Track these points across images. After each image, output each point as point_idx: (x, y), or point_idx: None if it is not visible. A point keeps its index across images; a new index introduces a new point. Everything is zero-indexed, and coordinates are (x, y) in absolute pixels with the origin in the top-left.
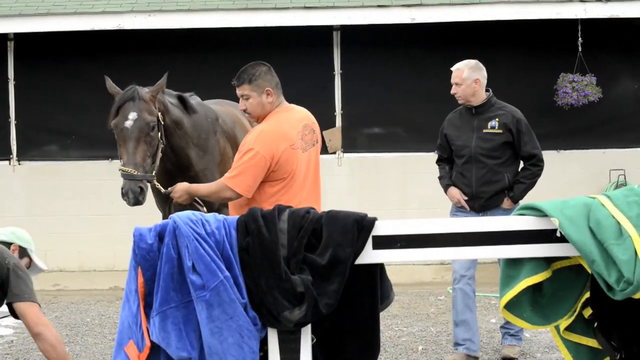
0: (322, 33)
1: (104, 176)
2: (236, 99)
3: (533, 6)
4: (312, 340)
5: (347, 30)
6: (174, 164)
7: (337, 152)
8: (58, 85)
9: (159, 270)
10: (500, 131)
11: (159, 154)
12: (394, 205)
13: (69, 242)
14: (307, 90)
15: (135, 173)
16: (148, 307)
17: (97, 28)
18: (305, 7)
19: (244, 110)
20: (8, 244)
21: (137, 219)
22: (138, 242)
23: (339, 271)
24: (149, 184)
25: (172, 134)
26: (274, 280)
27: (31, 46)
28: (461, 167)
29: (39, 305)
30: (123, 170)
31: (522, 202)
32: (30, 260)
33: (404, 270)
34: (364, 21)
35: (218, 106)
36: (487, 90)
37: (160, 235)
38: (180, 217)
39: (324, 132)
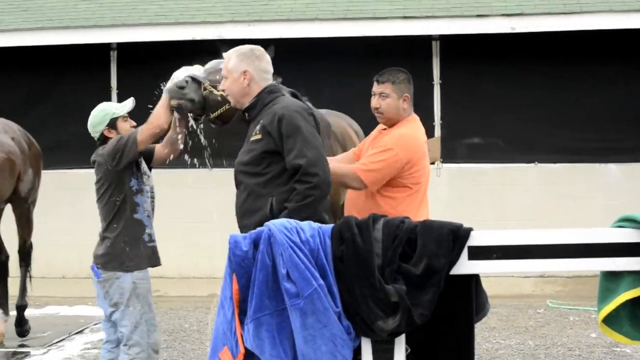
0: (422, 43)
1: (203, 184)
2: (335, 109)
3: (636, 15)
4: (407, 350)
5: (447, 40)
6: None
7: (436, 163)
8: None
9: (254, 278)
10: (259, 136)
11: None
12: (492, 217)
13: (169, 249)
14: None
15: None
16: (242, 314)
17: (197, 38)
18: (405, 17)
19: (376, 109)
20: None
21: (235, 227)
22: (233, 249)
23: (434, 281)
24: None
25: None
26: (368, 290)
27: (133, 55)
28: None
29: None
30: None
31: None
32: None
33: (502, 282)
34: (463, 31)
35: (329, 117)
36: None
37: (256, 242)
38: (276, 224)
39: None
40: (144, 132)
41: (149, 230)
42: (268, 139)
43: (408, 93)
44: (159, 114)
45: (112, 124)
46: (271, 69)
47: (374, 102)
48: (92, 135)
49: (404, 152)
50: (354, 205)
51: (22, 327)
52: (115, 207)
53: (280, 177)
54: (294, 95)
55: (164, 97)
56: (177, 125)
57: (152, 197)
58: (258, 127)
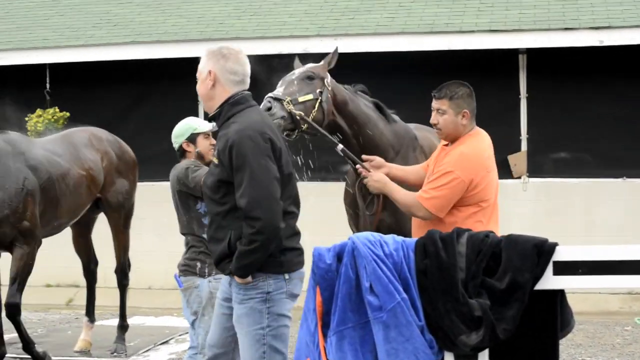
0: (508, 56)
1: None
2: (421, 122)
3: None
4: None
5: (533, 54)
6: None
7: (522, 177)
8: None
9: (337, 290)
10: (217, 162)
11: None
12: (579, 232)
13: None
14: (492, 113)
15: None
16: (325, 327)
17: (284, 52)
18: (491, 30)
19: (435, 125)
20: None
21: (319, 239)
22: (317, 261)
23: (518, 296)
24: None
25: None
26: (451, 304)
27: None
28: None
29: None
30: None
31: None
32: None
33: (588, 299)
34: (550, 44)
35: (417, 131)
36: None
37: (339, 255)
38: (359, 237)
39: (509, 157)
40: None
41: None
42: (222, 167)
43: (467, 108)
44: None
45: (192, 138)
46: (242, 70)
47: (432, 118)
48: (173, 145)
49: (466, 173)
50: (419, 227)
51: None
52: (188, 224)
53: (237, 211)
54: (376, 105)
55: None
56: None
57: None
58: (216, 151)
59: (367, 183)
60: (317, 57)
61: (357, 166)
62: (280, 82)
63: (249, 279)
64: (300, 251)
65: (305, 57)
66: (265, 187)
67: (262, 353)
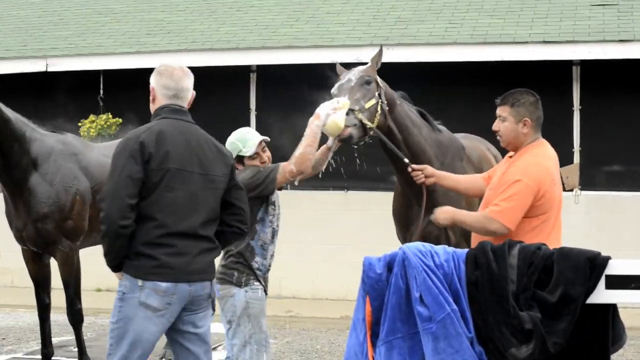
0: (562, 68)
1: (339, 206)
2: (472, 133)
3: None
4: None
5: (587, 65)
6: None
7: (574, 190)
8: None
9: (387, 300)
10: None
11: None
12: (632, 246)
13: (303, 271)
14: (544, 125)
15: None
16: (375, 336)
17: (336, 61)
18: (545, 42)
19: (496, 132)
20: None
21: (370, 249)
22: (367, 271)
23: (569, 310)
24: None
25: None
26: (502, 316)
27: (272, 78)
28: None
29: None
30: None
31: None
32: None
33: None
34: (605, 56)
35: (465, 140)
36: (161, 109)
37: (389, 265)
38: (410, 248)
39: (561, 169)
40: (285, 175)
41: (259, 259)
42: None
43: (529, 117)
44: (310, 157)
45: (240, 160)
46: (175, 85)
47: (494, 124)
48: None
49: (533, 181)
50: (477, 240)
51: None
52: None
53: None
54: (421, 114)
55: (316, 136)
56: (331, 151)
57: (274, 228)
58: None
59: (436, 218)
60: None
61: (418, 179)
62: (337, 90)
63: (120, 274)
64: (159, 262)
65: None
66: (114, 183)
67: (109, 345)
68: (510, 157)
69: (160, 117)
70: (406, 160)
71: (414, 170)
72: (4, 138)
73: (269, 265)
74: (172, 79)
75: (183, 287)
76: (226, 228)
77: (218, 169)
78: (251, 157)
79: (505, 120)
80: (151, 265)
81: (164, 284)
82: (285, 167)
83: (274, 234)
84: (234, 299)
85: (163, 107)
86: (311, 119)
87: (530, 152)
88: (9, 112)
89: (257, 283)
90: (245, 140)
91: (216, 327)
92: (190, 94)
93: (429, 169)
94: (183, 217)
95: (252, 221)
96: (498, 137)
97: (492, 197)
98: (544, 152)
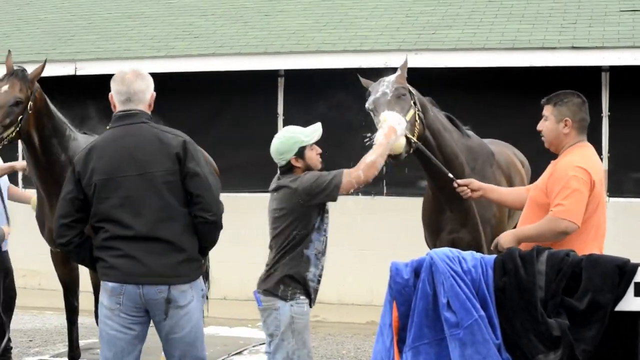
0: (590, 74)
1: (366, 212)
2: (501, 139)
3: None
4: None
5: (617, 71)
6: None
7: None
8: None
9: (414, 306)
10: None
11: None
12: None
13: (329, 275)
14: None
15: None
16: (401, 342)
17: (364, 66)
18: (573, 47)
19: (540, 131)
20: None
21: (394, 254)
22: (394, 276)
23: (598, 317)
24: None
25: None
26: (529, 323)
27: (299, 82)
28: None
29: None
30: None
31: None
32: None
33: None
34: (634, 62)
35: (493, 146)
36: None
37: (417, 270)
38: (437, 253)
39: None
40: (351, 180)
41: (313, 269)
42: None
43: (571, 117)
44: (378, 167)
45: (301, 152)
46: (126, 90)
47: (539, 124)
48: (276, 161)
49: (583, 174)
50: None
51: None
52: (292, 240)
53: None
54: (449, 119)
55: (389, 147)
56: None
57: (327, 237)
58: None
59: (501, 245)
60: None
61: (464, 194)
62: (372, 104)
63: None
64: (107, 264)
65: (385, 72)
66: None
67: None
68: (555, 160)
69: (109, 127)
70: (450, 175)
71: (459, 185)
72: (48, 133)
73: (320, 276)
74: (123, 83)
75: (130, 288)
76: (195, 220)
77: (158, 165)
78: (311, 147)
79: (547, 120)
80: (102, 266)
81: (110, 284)
82: (352, 173)
83: (326, 243)
84: (278, 312)
85: (114, 116)
86: (382, 132)
87: (575, 152)
88: (53, 108)
89: (302, 297)
90: (302, 130)
91: (242, 332)
92: (146, 95)
93: (475, 182)
94: (125, 222)
95: (308, 230)
96: (542, 138)
97: (538, 196)
98: (590, 152)
